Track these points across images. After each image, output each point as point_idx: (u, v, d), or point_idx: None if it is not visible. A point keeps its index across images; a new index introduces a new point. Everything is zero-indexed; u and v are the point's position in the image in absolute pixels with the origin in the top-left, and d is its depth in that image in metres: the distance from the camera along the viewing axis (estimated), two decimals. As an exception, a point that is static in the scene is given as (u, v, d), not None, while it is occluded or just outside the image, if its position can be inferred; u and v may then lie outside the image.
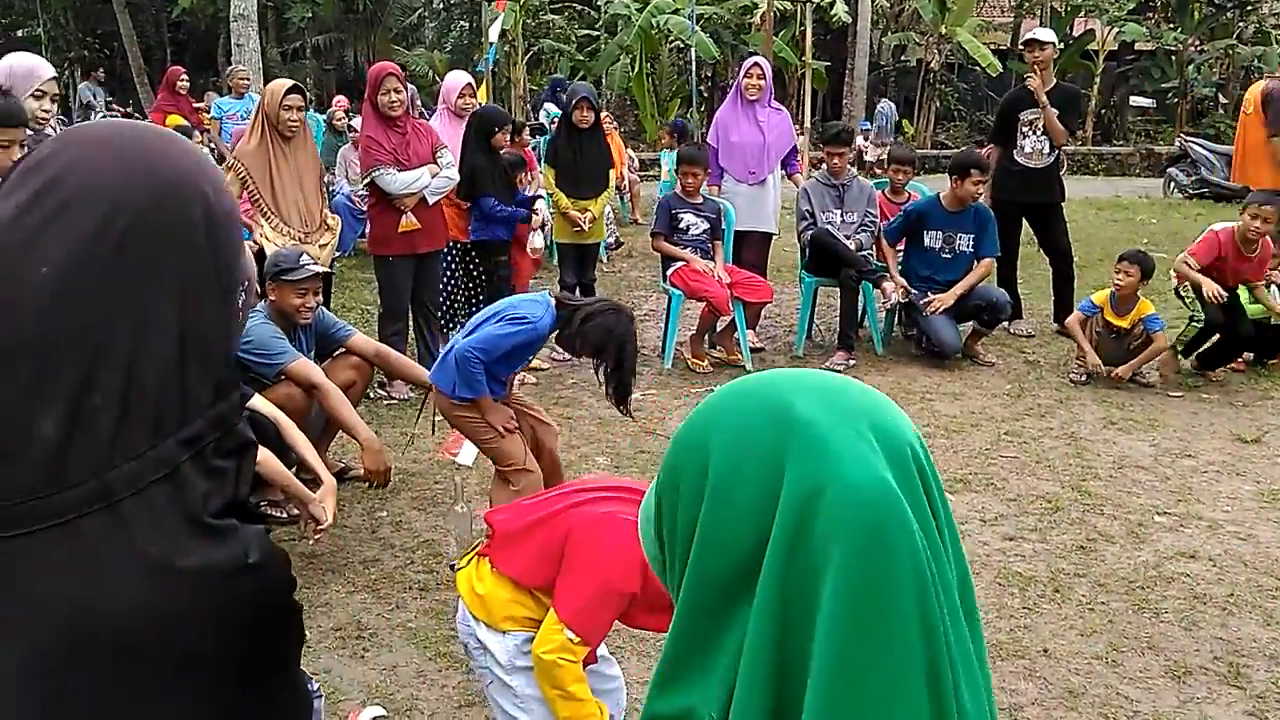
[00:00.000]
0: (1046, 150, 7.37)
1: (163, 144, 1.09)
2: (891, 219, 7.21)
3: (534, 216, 6.53)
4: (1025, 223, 7.65)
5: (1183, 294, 6.72)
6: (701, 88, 21.09)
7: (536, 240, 6.62)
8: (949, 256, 6.89)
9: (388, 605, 3.87)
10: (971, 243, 6.86)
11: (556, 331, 3.80)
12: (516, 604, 2.39)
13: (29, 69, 4.61)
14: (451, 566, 2.64)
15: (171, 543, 1.01)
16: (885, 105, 20.19)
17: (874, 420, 0.83)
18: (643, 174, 15.45)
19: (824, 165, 7.22)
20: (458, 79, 6.95)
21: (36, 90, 4.45)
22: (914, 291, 6.85)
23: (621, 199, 12.39)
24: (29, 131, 3.99)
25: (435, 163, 6.00)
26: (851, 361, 6.84)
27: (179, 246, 1.05)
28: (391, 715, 3.20)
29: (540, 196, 6.85)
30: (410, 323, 6.35)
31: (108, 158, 1.05)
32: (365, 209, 8.93)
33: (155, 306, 1.02)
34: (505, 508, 2.58)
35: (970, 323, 6.99)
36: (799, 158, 8.04)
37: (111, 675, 0.99)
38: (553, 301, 3.83)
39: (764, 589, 0.78)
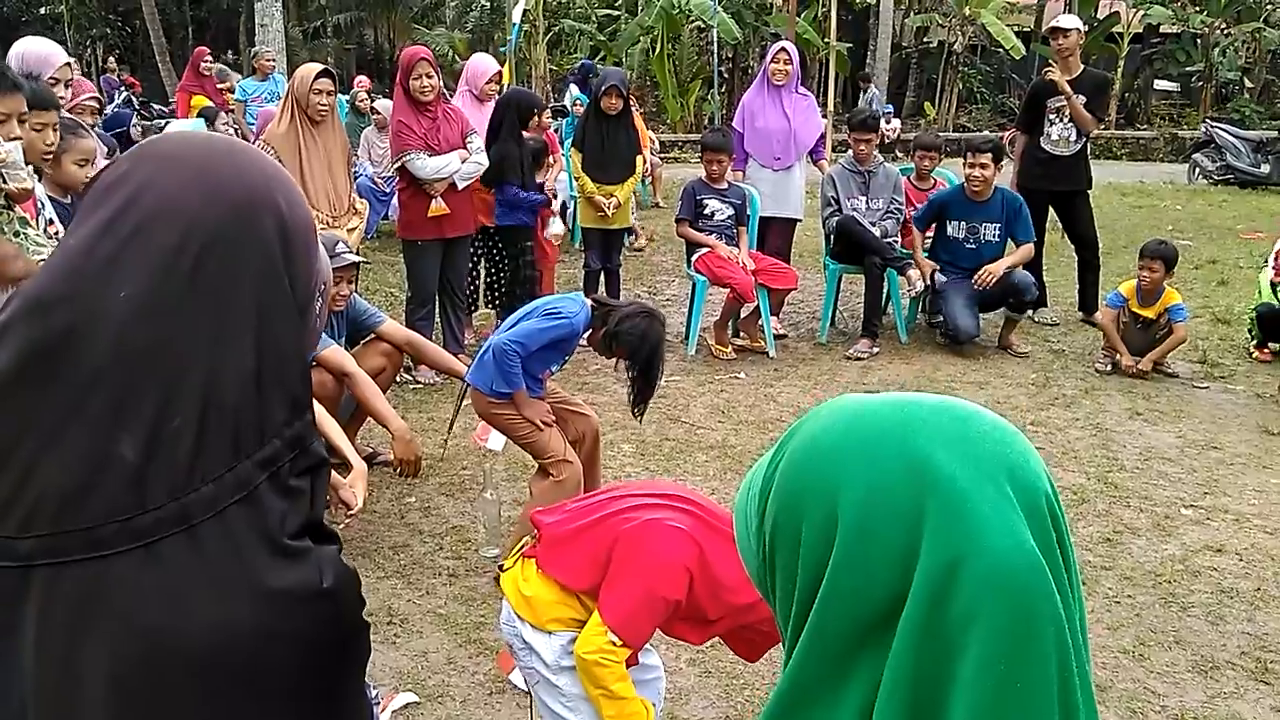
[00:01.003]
0: (1074, 138, 7.32)
1: (236, 158, 1.09)
2: (919, 206, 7.19)
3: (552, 201, 6.56)
4: (1052, 210, 7.60)
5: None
6: (723, 69, 20.99)
7: (556, 226, 6.63)
8: (973, 246, 6.85)
9: (418, 591, 3.90)
10: (999, 232, 6.82)
11: (589, 331, 3.82)
12: (562, 605, 2.41)
13: (42, 56, 4.61)
14: (500, 568, 2.66)
15: (249, 566, 1.02)
16: (872, 91, 19.82)
17: (1012, 470, 0.80)
18: (663, 156, 15.42)
19: (849, 151, 7.21)
20: (486, 65, 6.96)
21: (50, 78, 4.46)
22: (941, 277, 6.83)
23: (642, 183, 12.37)
24: None
25: (465, 148, 6.02)
26: (875, 349, 6.83)
27: (255, 264, 1.05)
28: (423, 701, 3.24)
29: (554, 195, 6.87)
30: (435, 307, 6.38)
31: (182, 176, 1.05)
32: (389, 191, 9.01)
33: (233, 327, 1.03)
34: (552, 509, 2.59)
35: (1000, 310, 6.97)
36: (823, 143, 8.02)
37: (190, 695, 1.01)
38: (588, 301, 3.86)
39: (898, 656, 0.76)
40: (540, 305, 3.93)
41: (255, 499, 1.03)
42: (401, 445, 4.00)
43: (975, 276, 6.70)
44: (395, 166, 6.09)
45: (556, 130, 10.28)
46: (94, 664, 0.99)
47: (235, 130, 9.89)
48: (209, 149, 1.10)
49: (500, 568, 2.65)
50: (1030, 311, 7.37)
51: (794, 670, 0.82)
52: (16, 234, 3.47)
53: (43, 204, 3.75)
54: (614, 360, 3.92)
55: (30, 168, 3.71)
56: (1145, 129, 22.23)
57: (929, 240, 7.15)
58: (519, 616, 2.45)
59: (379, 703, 3.12)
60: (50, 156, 3.80)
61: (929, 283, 6.91)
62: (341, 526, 4.02)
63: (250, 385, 1.03)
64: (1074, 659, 0.77)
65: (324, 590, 1.07)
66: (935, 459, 0.79)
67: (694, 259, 6.78)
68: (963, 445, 0.81)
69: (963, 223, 6.86)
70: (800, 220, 7.62)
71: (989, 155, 6.72)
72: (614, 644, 2.27)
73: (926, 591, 0.76)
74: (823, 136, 7.79)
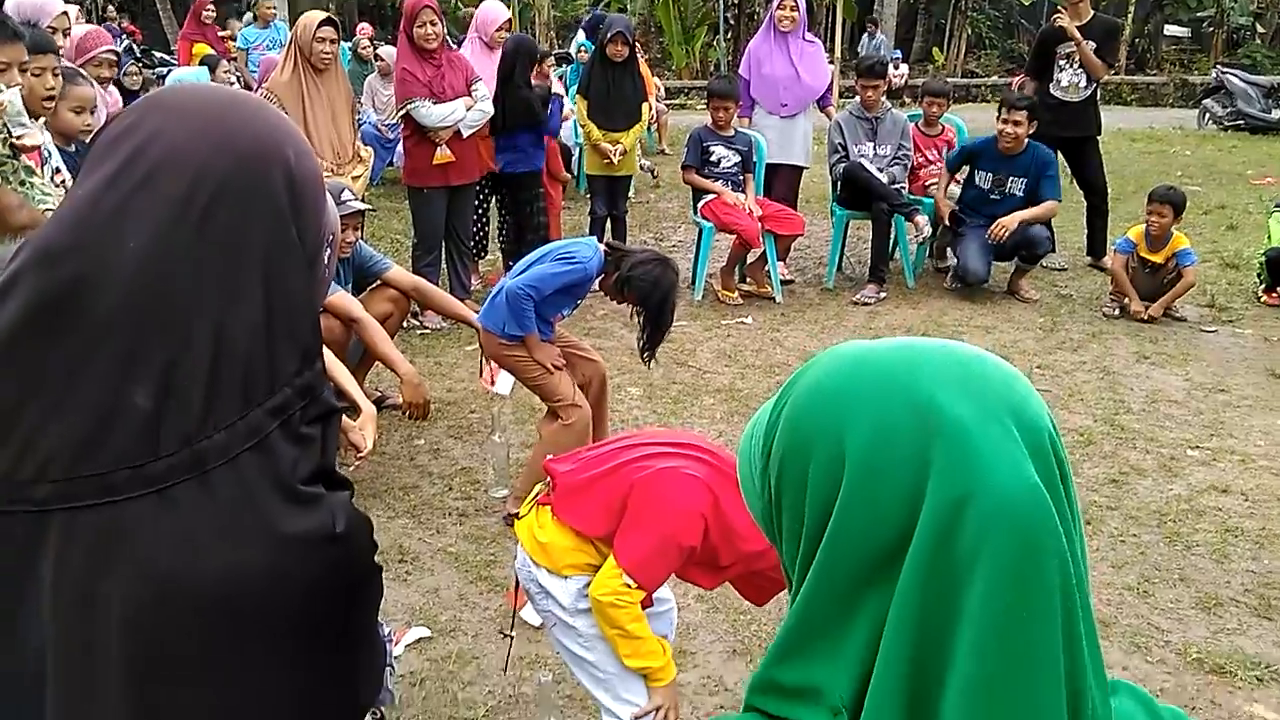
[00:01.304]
0: (1084, 84, 7.26)
1: (243, 110, 1.09)
2: (926, 152, 7.16)
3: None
4: (1061, 156, 7.55)
5: None
6: (729, 15, 20.77)
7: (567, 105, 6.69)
8: (997, 198, 6.81)
9: (428, 530, 3.95)
10: (1024, 186, 6.75)
11: (602, 276, 3.82)
12: (578, 551, 2.42)
13: (37, 6, 4.63)
14: (515, 515, 2.68)
15: (261, 511, 1.03)
16: (878, 39, 19.42)
17: (1016, 410, 0.81)
18: (669, 103, 15.30)
19: (857, 97, 7.16)
20: (497, 12, 6.89)
21: (48, 26, 4.46)
22: (965, 221, 6.82)
23: (649, 130, 12.27)
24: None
25: (470, 95, 5.98)
26: (882, 294, 6.84)
27: (263, 214, 1.05)
28: (435, 635, 3.30)
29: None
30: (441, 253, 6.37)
31: (190, 127, 1.05)
32: (393, 138, 8.97)
33: (242, 276, 1.03)
34: (566, 458, 2.59)
35: (1013, 259, 6.94)
36: (830, 89, 7.95)
37: (203, 637, 1.02)
38: (601, 246, 3.86)
39: (904, 593, 0.77)
40: (553, 249, 3.92)
41: (267, 446, 1.04)
42: (410, 389, 4.02)
43: (989, 230, 6.67)
44: (400, 114, 6.06)
45: (561, 77, 10.20)
46: (108, 607, 1.00)
47: (238, 78, 9.82)
48: (216, 100, 1.10)
49: (515, 515, 2.67)
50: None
51: (801, 607, 0.83)
52: (22, 183, 3.47)
53: (49, 152, 3.75)
54: (624, 305, 3.92)
55: (42, 121, 3.71)
56: (1155, 74, 22.02)
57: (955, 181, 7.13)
58: (535, 562, 2.47)
59: (392, 638, 3.16)
60: (51, 101, 3.79)
61: (947, 224, 6.89)
62: (351, 468, 4.06)
63: (260, 334, 1.04)
64: (1077, 591, 0.78)
65: (336, 535, 1.08)
66: (940, 400, 0.80)
67: (700, 205, 6.76)
68: (967, 386, 0.82)
69: (990, 174, 6.82)
70: (806, 168, 7.58)
71: (1024, 113, 6.66)
72: (629, 586, 2.30)
73: (933, 529, 0.77)
74: (830, 83, 7.72)
